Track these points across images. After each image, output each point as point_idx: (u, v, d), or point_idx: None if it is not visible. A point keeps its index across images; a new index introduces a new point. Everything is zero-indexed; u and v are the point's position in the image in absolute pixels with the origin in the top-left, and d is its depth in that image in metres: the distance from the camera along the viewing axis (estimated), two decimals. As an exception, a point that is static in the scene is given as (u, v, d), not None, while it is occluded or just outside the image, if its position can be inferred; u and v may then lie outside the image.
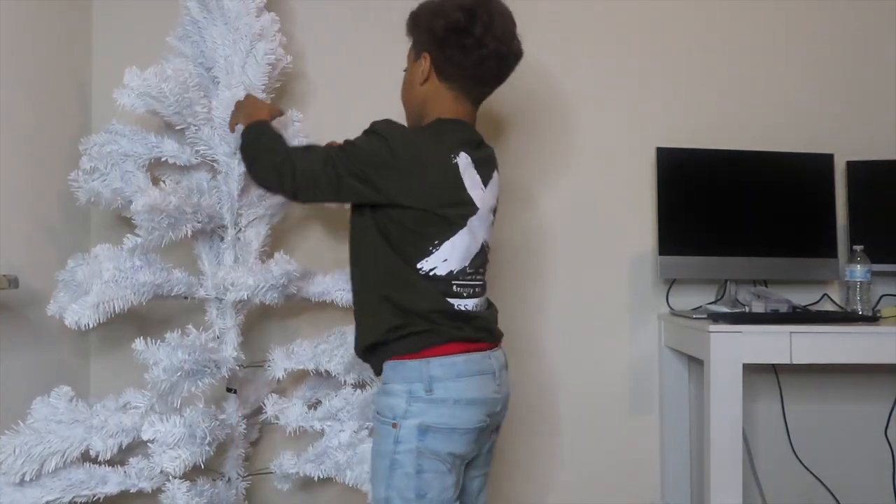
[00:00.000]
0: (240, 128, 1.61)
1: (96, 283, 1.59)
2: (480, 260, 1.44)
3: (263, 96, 1.79)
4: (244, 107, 1.65)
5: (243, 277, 1.67)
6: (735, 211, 2.15)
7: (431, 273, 1.36)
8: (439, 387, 1.31)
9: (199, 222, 1.72)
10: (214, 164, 1.79)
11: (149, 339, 1.53)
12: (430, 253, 1.36)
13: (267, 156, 1.47)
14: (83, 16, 1.99)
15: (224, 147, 1.75)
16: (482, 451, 1.45)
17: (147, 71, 1.63)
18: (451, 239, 1.37)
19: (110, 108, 1.71)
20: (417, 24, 1.47)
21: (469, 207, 1.39)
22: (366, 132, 1.41)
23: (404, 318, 1.34)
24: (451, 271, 1.37)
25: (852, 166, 2.22)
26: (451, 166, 1.37)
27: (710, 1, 2.26)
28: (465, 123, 1.46)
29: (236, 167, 1.77)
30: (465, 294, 1.40)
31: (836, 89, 2.30)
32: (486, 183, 1.44)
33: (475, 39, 1.39)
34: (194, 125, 1.72)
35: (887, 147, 2.28)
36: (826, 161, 2.19)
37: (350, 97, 2.11)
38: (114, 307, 1.59)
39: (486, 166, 1.45)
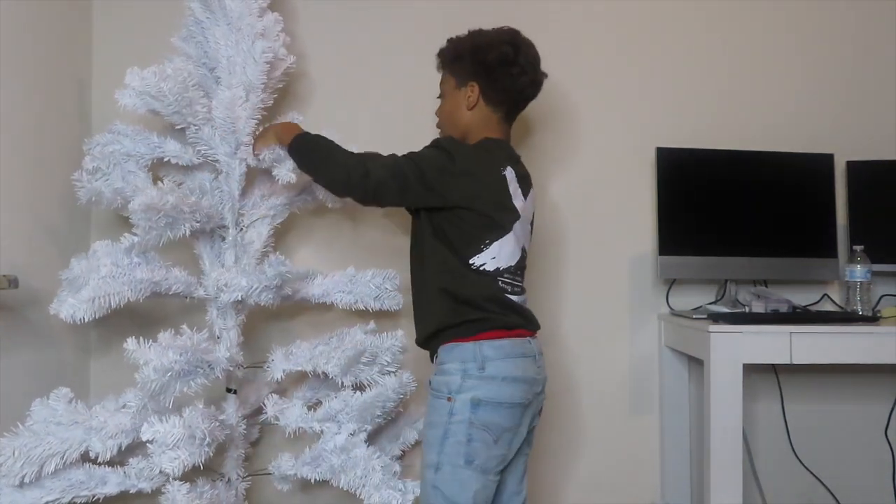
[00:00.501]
0: (275, 149, 1.73)
1: (93, 278, 1.59)
2: (522, 262, 1.63)
3: (263, 96, 1.79)
4: (270, 131, 1.74)
5: (236, 278, 1.67)
6: (735, 211, 2.15)
7: (482, 268, 1.55)
8: (490, 365, 1.50)
9: (197, 222, 1.72)
10: (216, 164, 1.79)
11: (142, 338, 1.53)
12: (482, 250, 1.55)
13: (336, 161, 1.61)
14: (83, 16, 1.99)
15: (224, 147, 1.75)
16: (525, 430, 1.59)
17: (146, 70, 1.63)
18: (500, 240, 1.56)
19: (111, 108, 1.71)
20: (460, 55, 1.67)
21: (514, 213, 1.59)
22: (430, 146, 1.60)
23: (461, 307, 1.54)
24: (498, 268, 1.56)
25: (852, 166, 2.22)
26: (500, 177, 1.58)
27: (710, 1, 2.26)
28: (507, 143, 1.68)
29: (237, 167, 1.78)
30: (509, 290, 1.59)
31: (836, 89, 2.30)
32: (525, 195, 1.64)
33: (520, 68, 1.64)
34: (194, 125, 1.72)
35: (887, 147, 2.28)
36: (826, 161, 2.19)
37: (352, 97, 2.11)
38: (109, 302, 1.59)
39: (525, 181, 1.65)
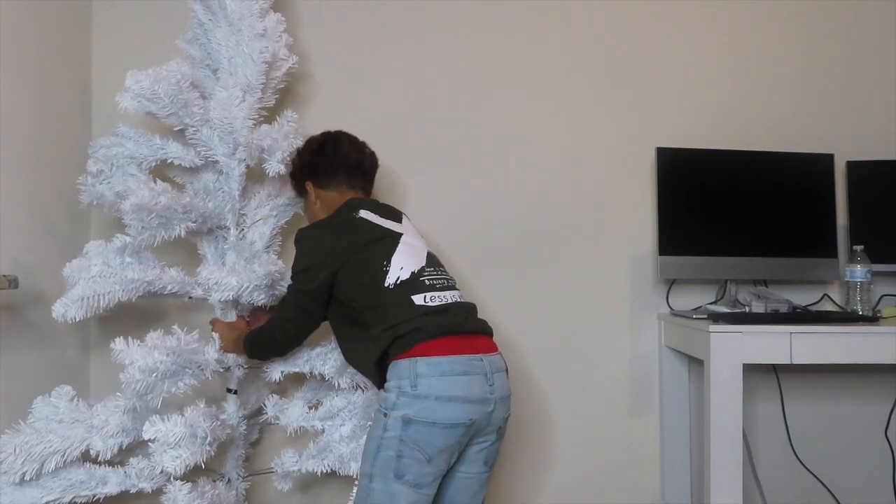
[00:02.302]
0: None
1: (83, 278, 1.60)
2: (433, 261, 1.67)
3: (262, 96, 1.79)
4: (222, 335, 1.76)
5: (226, 278, 1.67)
6: (735, 211, 2.15)
7: (398, 281, 1.57)
8: (423, 383, 1.47)
9: (193, 222, 1.72)
10: (217, 165, 1.79)
11: (130, 338, 1.53)
12: (387, 270, 1.58)
13: (276, 337, 1.71)
14: (83, 16, 1.99)
15: (223, 147, 1.75)
16: (477, 447, 1.56)
17: (141, 73, 1.63)
18: (395, 254, 1.61)
19: (111, 109, 1.71)
20: (293, 175, 1.83)
21: (392, 234, 1.65)
22: (297, 245, 1.66)
23: (391, 334, 1.52)
24: (413, 271, 1.59)
25: (852, 166, 2.22)
26: (357, 219, 1.66)
27: (710, 1, 2.26)
28: (355, 199, 1.75)
29: (236, 167, 1.78)
30: (438, 285, 1.60)
31: (836, 89, 2.30)
32: (399, 221, 1.73)
33: (333, 149, 1.78)
34: (192, 126, 1.72)
35: (887, 147, 2.28)
36: (826, 161, 2.19)
37: (353, 98, 2.11)
38: (99, 302, 1.59)
39: (392, 215, 1.74)
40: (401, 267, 1.58)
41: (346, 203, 1.73)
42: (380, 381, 1.58)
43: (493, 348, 1.59)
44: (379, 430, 1.50)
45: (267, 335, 1.72)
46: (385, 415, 1.49)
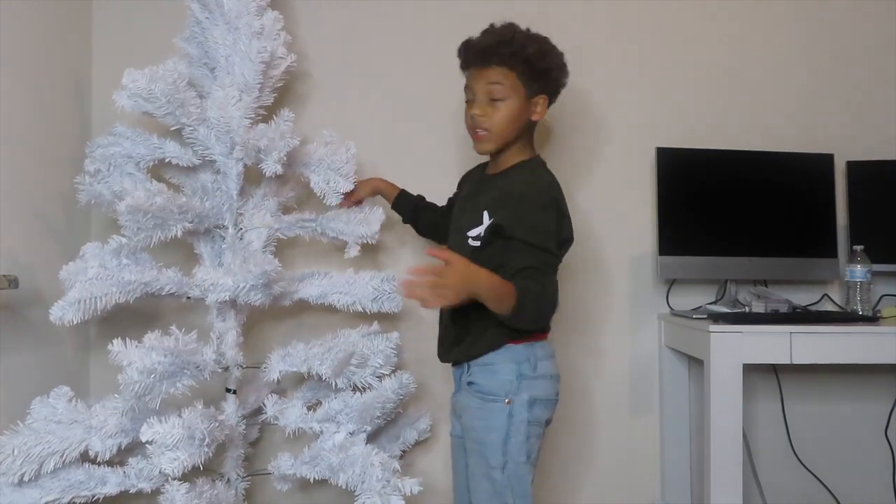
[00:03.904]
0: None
1: (79, 280, 1.60)
2: None
3: (259, 95, 1.79)
4: (460, 280, 1.43)
5: (222, 278, 1.66)
6: (735, 211, 2.15)
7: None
8: (541, 365, 1.56)
9: (189, 222, 1.71)
10: (215, 164, 1.79)
11: (128, 339, 1.51)
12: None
13: (543, 305, 1.54)
14: (82, 16, 1.99)
15: (220, 147, 1.75)
16: None
17: (138, 72, 1.63)
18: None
19: (110, 108, 1.70)
20: (538, 69, 1.59)
21: None
22: (541, 208, 1.54)
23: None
24: None
25: (852, 166, 2.22)
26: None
27: (710, 1, 2.26)
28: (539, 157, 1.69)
29: (233, 167, 1.77)
30: None
31: (836, 89, 2.29)
32: None
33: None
34: (189, 125, 1.72)
35: (887, 147, 2.27)
36: (826, 161, 2.19)
37: (352, 97, 2.11)
38: (96, 304, 1.59)
39: None
40: None
41: (541, 160, 1.66)
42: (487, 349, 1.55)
43: None
44: (503, 417, 1.51)
45: (549, 294, 1.54)
46: (508, 402, 1.51)
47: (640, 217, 2.21)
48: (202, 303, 1.79)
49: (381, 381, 1.83)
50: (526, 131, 1.64)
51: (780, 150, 2.19)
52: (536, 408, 1.53)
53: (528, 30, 1.64)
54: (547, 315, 1.58)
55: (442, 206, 1.90)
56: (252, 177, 1.85)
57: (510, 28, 1.62)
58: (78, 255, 1.71)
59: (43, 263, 1.75)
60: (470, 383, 1.58)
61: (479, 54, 1.61)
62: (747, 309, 2.10)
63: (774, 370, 2.24)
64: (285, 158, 1.77)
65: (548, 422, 1.61)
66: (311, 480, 1.79)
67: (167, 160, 1.78)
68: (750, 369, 2.08)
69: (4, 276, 1.52)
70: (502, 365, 1.53)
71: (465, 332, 1.59)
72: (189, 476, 1.59)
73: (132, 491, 1.65)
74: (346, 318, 1.98)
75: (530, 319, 1.51)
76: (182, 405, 1.58)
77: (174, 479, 1.56)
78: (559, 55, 1.65)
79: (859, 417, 2.27)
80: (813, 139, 2.25)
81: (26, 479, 1.54)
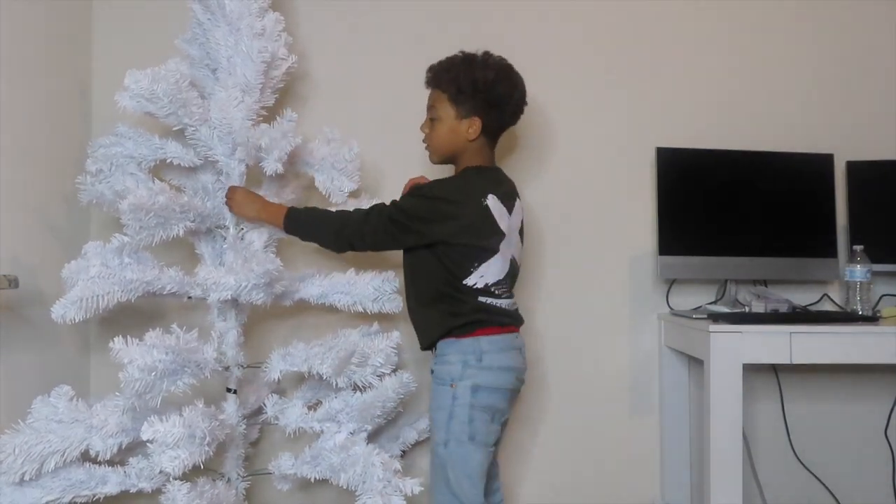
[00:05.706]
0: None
1: (81, 279, 1.60)
2: (512, 272, 1.77)
3: (261, 96, 1.79)
4: (244, 200, 1.79)
5: (224, 277, 1.66)
6: (735, 211, 2.15)
7: (473, 286, 1.69)
8: (486, 357, 1.67)
9: (191, 221, 1.72)
10: (217, 165, 1.79)
11: (129, 337, 1.51)
12: (471, 273, 1.69)
13: (328, 232, 1.76)
14: (83, 16, 1.99)
15: (222, 147, 1.75)
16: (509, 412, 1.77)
17: (140, 72, 1.63)
18: (487, 262, 1.69)
19: (111, 109, 1.71)
20: (465, 91, 1.72)
21: (500, 235, 1.70)
22: (412, 195, 1.73)
23: (458, 317, 1.69)
24: (487, 284, 1.70)
25: (852, 166, 2.22)
26: (483, 208, 1.68)
27: (710, 1, 2.26)
28: (490, 168, 1.78)
29: (236, 167, 1.78)
30: (499, 296, 1.73)
31: (836, 89, 2.30)
32: (510, 211, 1.73)
33: (514, 105, 1.77)
34: (191, 126, 1.72)
35: (887, 147, 2.28)
36: (826, 161, 2.19)
37: (353, 97, 2.12)
38: (98, 303, 1.59)
39: (509, 198, 1.75)
40: (482, 275, 1.69)
41: (477, 175, 1.73)
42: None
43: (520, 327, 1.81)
44: (447, 399, 1.66)
45: (331, 217, 1.75)
46: (452, 385, 1.66)
47: (640, 217, 2.21)
48: (203, 302, 1.80)
49: (381, 380, 1.83)
50: (469, 146, 1.75)
51: (779, 150, 2.19)
52: (481, 394, 1.66)
53: (485, 56, 1.76)
54: (325, 235, 1.76)
55: None
56: (254, 177, 1.85)
57: (460, 56, 1.76)
58: (79, 255, 1.71)
59: (43, 263, 1.75)
60: (431, 371, 1.74)
61: (427, 77, 1.80)
62: (747, 309, 2.10)
63: (774, 370, 2.24)
64: (286, 158, 1.78)
65: (503, 411, 1.71)
66: (312, 480, 1.79)
67: (169, 161, 1.78)
68: (750, 369, 2.09)
69: (5, 275, 1.52)
70: (451, 356, 1.69)
71: (416, 325, 1.79)
72: (189, 476, 1.59)
73: (133, 490, 1.65)
74: (346, 318, 1.98)
75: (305, 231, 1.77)
76: (183, 404, 1.59)
77: (175, 478, 1.56)
78: (497, 82, 1.72)
79: (859, 417, 2.27)
80: (813, 139, 2.25)
81: (27, 478, 1.55)
